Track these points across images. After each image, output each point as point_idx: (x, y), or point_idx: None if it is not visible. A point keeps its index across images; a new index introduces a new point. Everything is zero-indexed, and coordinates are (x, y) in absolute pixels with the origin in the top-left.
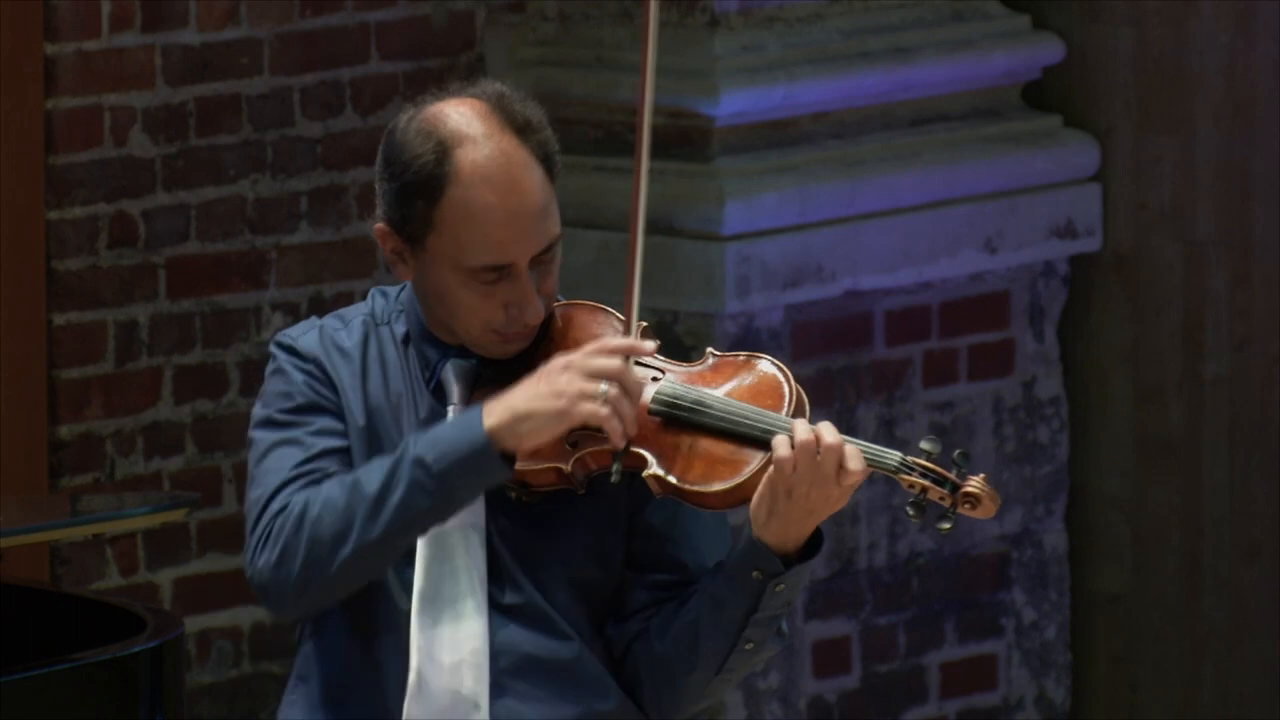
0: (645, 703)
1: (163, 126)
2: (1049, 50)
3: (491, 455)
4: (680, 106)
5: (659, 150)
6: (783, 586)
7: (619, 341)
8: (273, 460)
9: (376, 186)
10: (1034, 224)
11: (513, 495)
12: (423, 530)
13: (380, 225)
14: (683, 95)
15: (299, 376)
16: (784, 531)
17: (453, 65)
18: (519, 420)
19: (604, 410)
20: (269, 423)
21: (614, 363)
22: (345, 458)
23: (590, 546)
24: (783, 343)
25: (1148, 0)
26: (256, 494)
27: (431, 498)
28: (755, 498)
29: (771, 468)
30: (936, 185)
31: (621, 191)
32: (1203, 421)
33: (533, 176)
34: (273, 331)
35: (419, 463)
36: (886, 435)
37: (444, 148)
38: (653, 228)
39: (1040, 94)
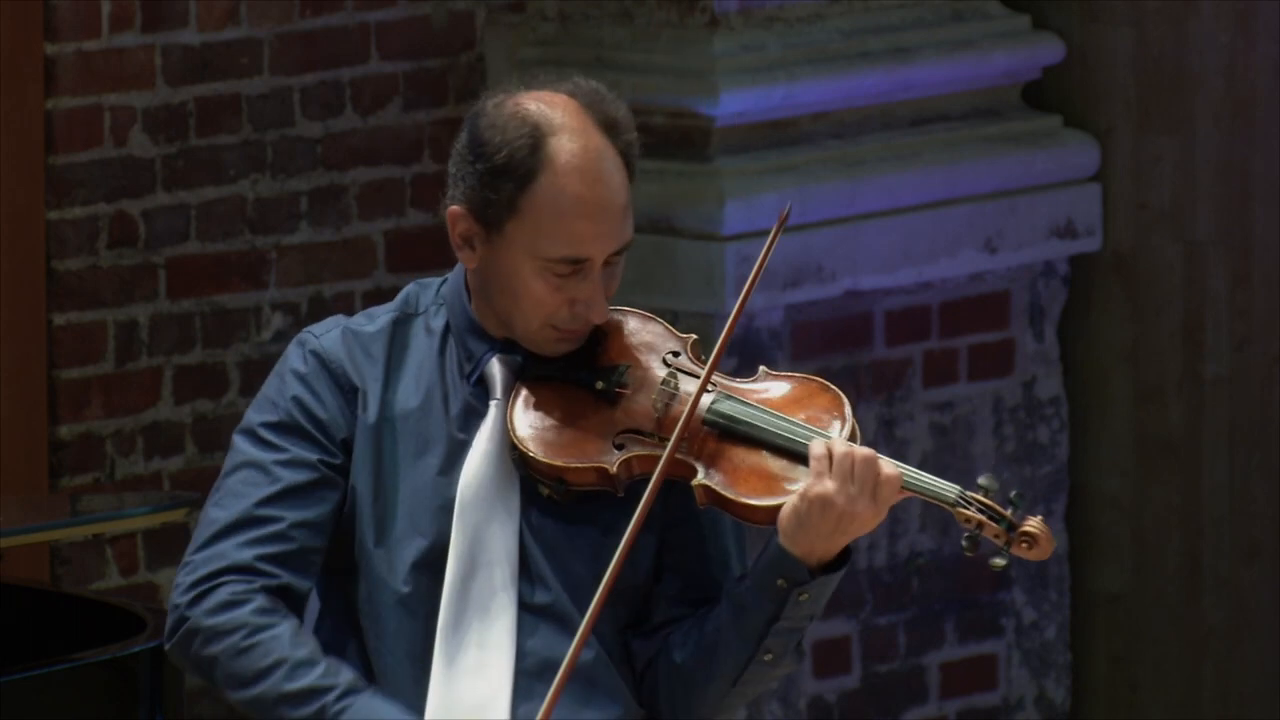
0: (662, 714)
1: (163, 126)
2: (1049, 50)
3: None
4: (680, 106)
5: (659, 150)
6: (806, 596)
7: None
8: (238, 481)
9: (453, 168)
10: (1034, 224)
11: (545, 492)
12: None
13: (455, 208)
14: (683, 95)
15: (293, 390)
16: (811, 545)
17: (453, 65)
18: None
19: None
20: (250, 434)
21: None
22: (310, 494)
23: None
24: (783, 343)
25: (1148, 0)
26: (214, 514)
27: None
28: (786, 508)
29: (809, 480)
30: (936, 185)
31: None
32: (1203, 421)
33: (619, 176)
34: (273, 332)
35: (325, 716)
36: (886, 435)
37: (539, 134)
38: (653, 227)
39: (1040, 94)
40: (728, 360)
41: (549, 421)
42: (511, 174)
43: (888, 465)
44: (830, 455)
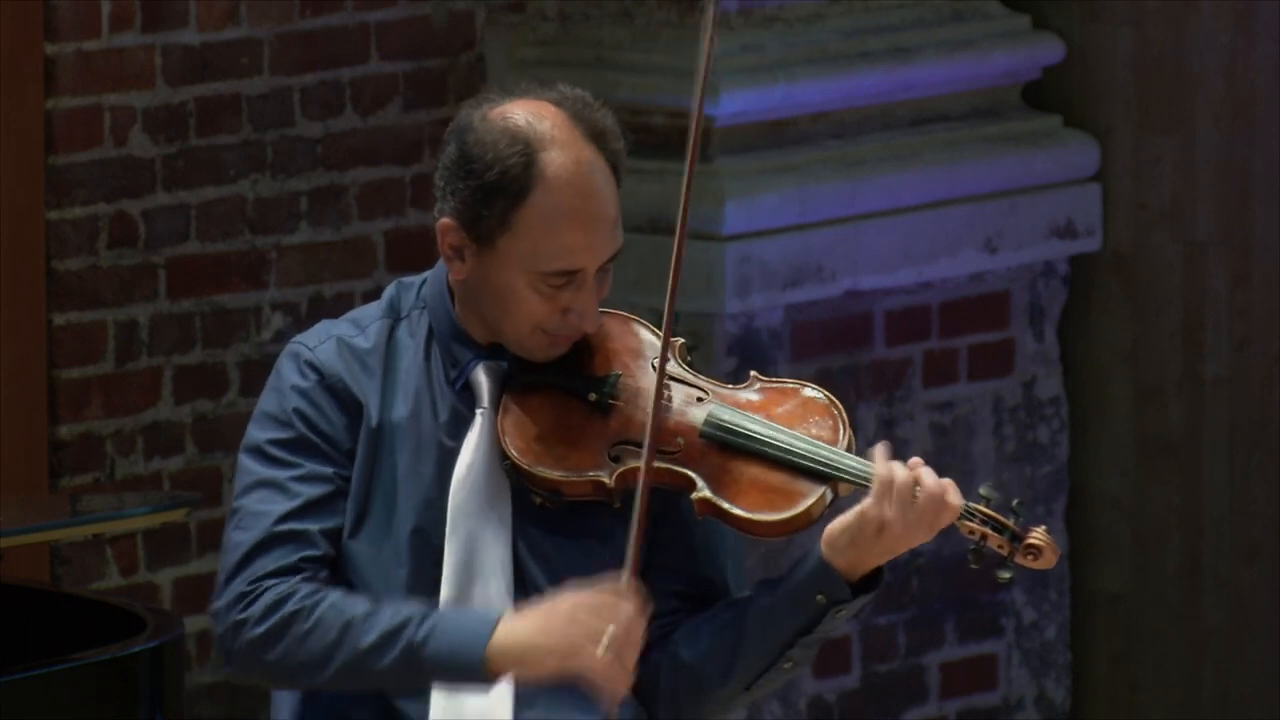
0: (661, 708)
1: (163, 126)
2: (1049, 50)
3: (481, 674)
4: (680, 106)
5: (659, 150)
6: (844, 613)
7: (625, 588)
8: (256, 501)
9: (441, 181)
10: (1034, 224)
11: (538, 501)
12: (389, 692)
13: (446, 220)
14: (683, 95)
15: (294, 402)
16: (859, 561)
17: (453, 65)
18: (521, 653)
19: (602, 667)
20: (258, 452)
21: (624, 613)
22: (330, 505)
23: (617, 557)
24: (783, 343)
25: (1148, 0)
26: (238, 538)
27: (410, 680)
28: (839, 526)
29: (869, 501)
30: (936, 185)
31: (622, 192)
32: (1203, 421)
33: (609, 186)
34: (273, 332)
35: (414, 648)
36: (887, 435)
37: (530, 151)
38: (653, 227)
39: (1040, 94)
40: (725, 363)
41: (542, 432)
42: (504, 191)
43: (953, 497)
44: (894, 482)
